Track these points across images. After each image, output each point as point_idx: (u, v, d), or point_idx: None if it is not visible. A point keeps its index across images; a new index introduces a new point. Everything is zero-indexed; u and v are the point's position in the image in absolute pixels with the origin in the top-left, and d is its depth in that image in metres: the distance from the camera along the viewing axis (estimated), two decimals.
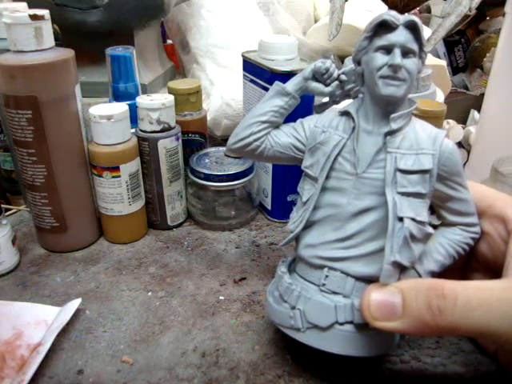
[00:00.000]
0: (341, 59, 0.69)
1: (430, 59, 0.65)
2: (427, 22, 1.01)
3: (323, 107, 0.32)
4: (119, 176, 0.42)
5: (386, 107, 0.28)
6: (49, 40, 0.38)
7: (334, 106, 0.32)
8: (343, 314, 0.28)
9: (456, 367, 0.31)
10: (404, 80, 0.26)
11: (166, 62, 0.75)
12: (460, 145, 0.64)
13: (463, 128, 0.64)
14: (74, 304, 0.35)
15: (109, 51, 0.46)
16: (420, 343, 0.33)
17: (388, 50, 0.26)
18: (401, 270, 0.27)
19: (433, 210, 0.30)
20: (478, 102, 0.61)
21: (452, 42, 1.01)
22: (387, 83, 0.26)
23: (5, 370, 0.31)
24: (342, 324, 0.28)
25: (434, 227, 0.29)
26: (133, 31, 0.61)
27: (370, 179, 0.28)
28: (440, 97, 0.55)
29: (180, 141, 0.45)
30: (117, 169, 0.42)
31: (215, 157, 0.48)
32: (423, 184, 0.27)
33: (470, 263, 0.31)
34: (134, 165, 0.43)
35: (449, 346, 0.33)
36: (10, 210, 0.50)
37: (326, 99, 0.32)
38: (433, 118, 0.40)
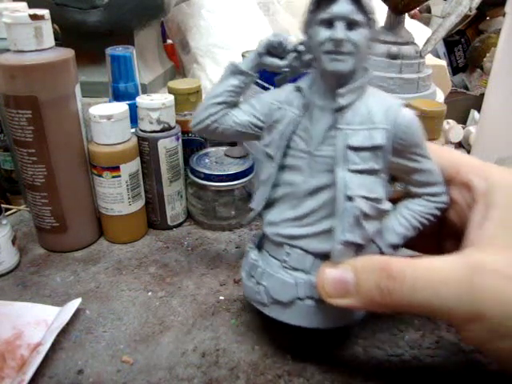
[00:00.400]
0: None
1: (430, 59, 0.65)
2: (427, 22, 1.01)
3: (285, 79, 0.31)
4: (119, 176, 0.42)
5: (336, 81, 0.26)
6: (49, 40, 0.38)
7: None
8: (303, 290, 0.29)
9: (456, 367, 0.31)
10: (350, 53, 0.25)
11: (166, 62, 0.75)
12: (460, 145, 0.64)
13: (463, 128, 0.64)
14: (74, 304, 0.35)
15: (109, 51, 0.46)
16: (420, 343, 0.33)
17: (330, 23, 0.25)
18: (358, 246, 0.27)
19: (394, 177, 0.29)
20: (478, 102, 0.61)
21: (452, 42, 1.01)
22: (332, 58, 0.25)
23: (5, 370, 0.31)
24: (302, 299, 0.29)
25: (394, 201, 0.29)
26: (133, 31, 0.61)
27: (323, 157, 0.27)
28: (440, 97, 0.55)
29: (180, 141, 0.45)
30: (117, 169, 0.42)
31: (215, 157, 0.48)
32: (376, 160, 0.26)
33: (442, 230, 0.31)
34: (134, 165, 0.43)
35: (449, 346, 0.33)
36: (10, 209, 0.50)
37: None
38: (433, 118, 0.40)
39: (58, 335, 0.32)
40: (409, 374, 0.31)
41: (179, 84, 0.49)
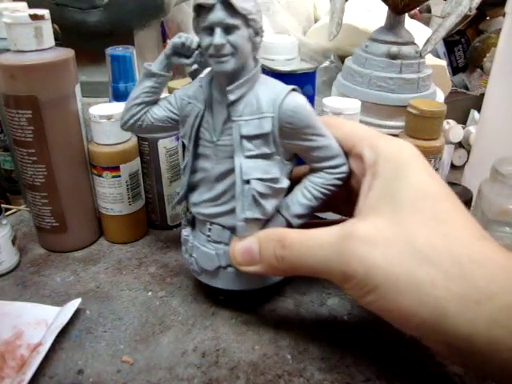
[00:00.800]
0: (341, 59, 0.69)
1: (430, 59, 0.65)
2: (427, 22, 1.01)
3: (195, 73, 0.33)
4: (119, 176, 0.42)
5: (226, 79, 0.29)
6: (49, 40, 0.38)
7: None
8: (224, 259, 0.33)
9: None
10: (231, 54, 0.28)
11: None
12: (460, 145, 0.64)
13: (463, 128, 0.64)
14: (74, 304, 0.35)
15: (109, 51, 0.46)
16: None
17: (211, 29, 0.27)
18: (263, 221, 0.31)
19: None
20: (478, 102, 0.61)
21: (452, 42, 1.00)
22: (215, 61, 0.28)
23: (5, 370, 0.31)
24: (225, 267, 0.34)
25: None
26: (133, 31, 0.61)
27: (224, 146, 0.31)
28: (440, 97, 0.55)
29: (180, 141, 0.45)
30: (117, 169, 0.42)
31: None
32: (268, 145, 0.30)
33: (351, 198, 0.32)
34: (134, 165, 0.43)
35: None
36: (10, 209, 0.50)
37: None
38: (433, 118, 0.40)
39: (58, 335, 0.32)
40: (410, 374, 0.31)
41: (179, 84, 0.49)
